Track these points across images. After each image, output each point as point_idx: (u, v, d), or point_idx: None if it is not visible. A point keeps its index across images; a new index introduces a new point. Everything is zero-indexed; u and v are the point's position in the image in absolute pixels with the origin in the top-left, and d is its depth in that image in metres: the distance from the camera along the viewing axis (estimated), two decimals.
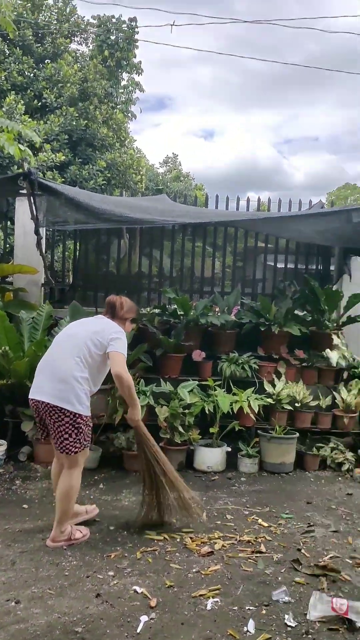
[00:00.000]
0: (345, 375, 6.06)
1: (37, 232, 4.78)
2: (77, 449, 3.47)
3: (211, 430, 5.29)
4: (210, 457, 5.19)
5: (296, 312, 6.29)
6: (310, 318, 6.29)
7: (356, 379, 5.86)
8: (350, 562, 3.48)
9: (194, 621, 2.74)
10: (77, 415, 3.43)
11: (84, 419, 3.47)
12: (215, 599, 2.94)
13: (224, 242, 7.16)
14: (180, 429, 5.11)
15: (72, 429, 3.44)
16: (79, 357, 3.47)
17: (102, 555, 3.42)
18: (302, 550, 3.60)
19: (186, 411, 5.17)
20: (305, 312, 6.44)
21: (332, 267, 7.18)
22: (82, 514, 3.86)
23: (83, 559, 3.36)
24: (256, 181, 49.88)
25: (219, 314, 6.12)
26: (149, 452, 3.77)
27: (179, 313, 6.00)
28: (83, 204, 4.28)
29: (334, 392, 5.81)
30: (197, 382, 5.48)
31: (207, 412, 5.27)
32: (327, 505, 4.49)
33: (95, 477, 4.88)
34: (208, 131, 69.06)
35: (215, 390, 5.42)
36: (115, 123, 13.85)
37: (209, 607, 2.86)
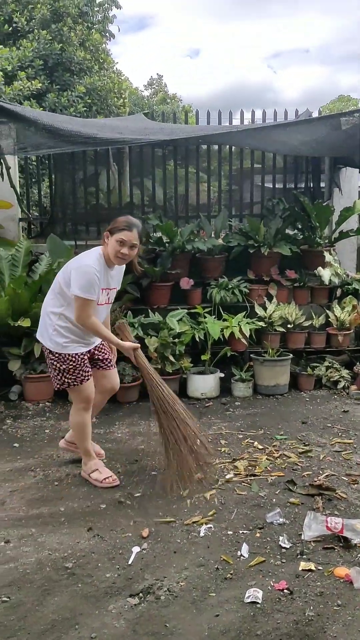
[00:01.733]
0: (338, 292, 5.89)
1: None
2: (58, 385, 3.37)
3: (203, 357, 5.18)
4: (203, 384, 5.11)
5: (286, 231, 6.05)
6: (301, 236, 6.05)
7: (350, 296, 5.70)
8: (346, 479, 3.44)
9: (186, 549, 2.69)
10: (48, 351, 3.31)
11: (55, 355, 3.28)
12: (209, 525, 2.89)
13: (207, 164, 6.80)
14: (172, 358, 5.00)
15: (50, 364, 3.36)
16: (54, 292, 3.32)
17: (95, 488, 3.38)
18: (297, 471, 3.56)
19: (176, 340, 5.04)
20: (295, 231, 6.20)
21: (322, 185, 6.86)
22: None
23: (76, 494, 3.31)
24: (247, 100, 47.77)
25: (205, 239, 5.88)
26: (156, 386, 3.38)
27: (164, 240, 5.76)
28: (47, 125, 3.95)
29: (327, 311, 5.66)
30: (186, 311, 5.34)
31: (197, 340, 5.14)
32: (322, 424, 4.44)
33: None
34: (193, 50, 65.53)
35: (205, 317, 5.28)
36: (92, 44, 12.99)
37: (202, 534, 2.82)
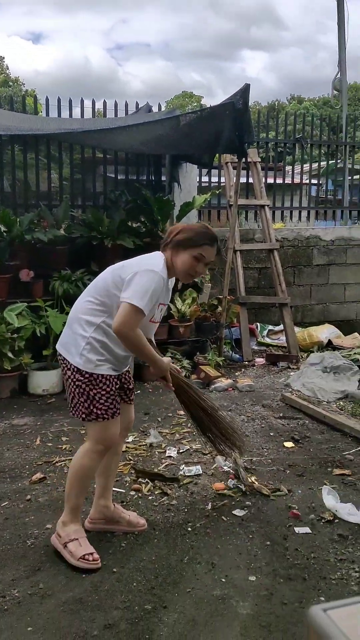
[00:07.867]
0: (179, 285, 6.06)
1: None
2: (84, 415, 2.55)
3: (45, 352, 5.03)
4: (45, 380, 4.98)
5: (130, 223, 6.08)
6: (144, 229, 6.12)
7: (190, 289, 5.90)
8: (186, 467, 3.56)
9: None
10: (74, 369, 2.54)
11: (84, 375, 2.51)
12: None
13: (48, 151, 6.57)
14: (10, 354, 4.78)
15: (74, 387, 2.55)
16: (93, 297, 2.58)
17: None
18: (139, 462, 3.61)
19: (15, 335, 4.83)
20: (139, 224, 6.25)
21: (163, 179, 7.00)
22: (120, 523, 2.82)
23: None
24: (91, 88, 47.35)
25: (47, 229, 5.70)
26: (193, 400, 3.07)
27: (1, 230, 5.47)
28: None
29: (169, 303, 5.80)
30: (26, 304, 5.13)
31: (39, 334, 4.98)
32: (164, 414, 4.55)
33: None
34: (35, 34, 63.25)
35: (46, 311, 5.13)
36: None
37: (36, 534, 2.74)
